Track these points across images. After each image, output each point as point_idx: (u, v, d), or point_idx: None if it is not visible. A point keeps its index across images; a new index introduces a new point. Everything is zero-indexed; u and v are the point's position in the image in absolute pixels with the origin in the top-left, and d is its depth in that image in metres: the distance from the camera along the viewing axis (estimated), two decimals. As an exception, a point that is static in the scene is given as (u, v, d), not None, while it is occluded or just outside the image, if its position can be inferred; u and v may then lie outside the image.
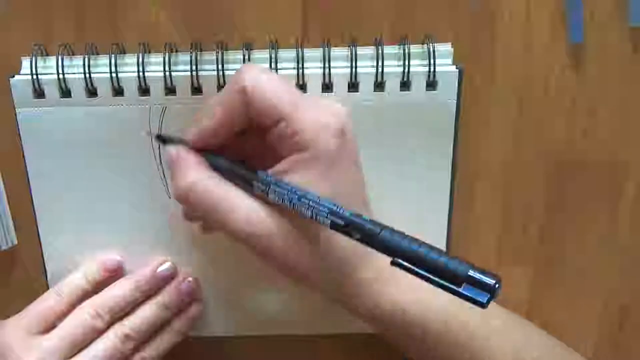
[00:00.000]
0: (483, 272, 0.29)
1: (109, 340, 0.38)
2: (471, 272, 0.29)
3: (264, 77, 0.32)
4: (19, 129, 0.39)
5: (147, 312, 0.39)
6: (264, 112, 0.32)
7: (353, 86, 0.38)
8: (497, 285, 0.29)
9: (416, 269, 0.30)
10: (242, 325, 0.44)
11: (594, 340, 0.45)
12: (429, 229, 0.41)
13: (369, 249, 0.31)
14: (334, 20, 0.39)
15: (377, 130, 0.38)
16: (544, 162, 0.41)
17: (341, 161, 0.32)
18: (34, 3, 0.38)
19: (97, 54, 0.38)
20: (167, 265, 0.40)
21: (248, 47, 0.37)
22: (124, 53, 0.38)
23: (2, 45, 0.39)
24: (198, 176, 0.33)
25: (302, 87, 0.38)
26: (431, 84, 0.38)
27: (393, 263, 0.30)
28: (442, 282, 0.29)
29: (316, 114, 0.32)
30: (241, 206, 0.33)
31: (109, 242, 0.41)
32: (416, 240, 0.30)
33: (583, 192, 0.42)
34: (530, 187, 0.41)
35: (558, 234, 0.42)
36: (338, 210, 0.31)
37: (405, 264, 0.30)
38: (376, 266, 0.35)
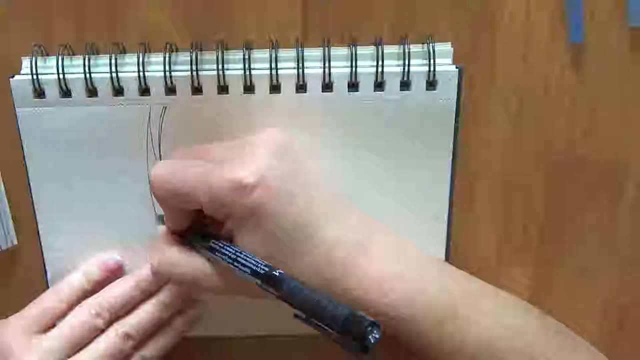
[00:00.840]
0: (359, 317, 0.29)
1: (110, 339, 0.38)
2: (345, 315, 0.29)
3: (159, 172, 0.34)
4: (19, 129, 0.39)
5: (147, 311, 0.39)
6: (181, 204, 0.35)
7: (353, 86, 0.38)
8: (369, 330, 0.29)
9: (311, 320, 0.31)
10: (241, 325, 0.44)
11: (594, 340, 0.44)
12: (429, 228, 0.41)
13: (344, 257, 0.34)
14: (334, 20, 0.39)
15: (377, 130, 0.38)
16: (544, 162, 0.41)
17: (266, 210, 0.33)
18: (34, 3, 0.38)
19: (97, 54, 0.38)
20: None
21: (248, 47, 0.37)
22: (124, 53, 0.38)
23: (2, 45, 0.39)
24: (161, 254, 0.37)
25: (302, 87, 0.38)
26: (431, 84, 0.38)
27: (295, 315, 0.32)
28: (328, 330, 0.30)
29: (222, 177, 0.33)
30: (200, 273, 0.36)
31: (109, 242, 0.41)
32: (313, 291, 0.31)
33: (583, 192, 0.42)
34: (530, 187, 0.41)
35: (558, 234, 0.42)
36: (256, 270, 0.33)
37: (301, 315, 0.31)
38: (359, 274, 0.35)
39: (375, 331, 0.29)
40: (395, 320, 0.34)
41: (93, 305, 0.38)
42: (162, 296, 0.40)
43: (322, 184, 0.36)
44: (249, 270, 0.33)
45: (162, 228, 0.38)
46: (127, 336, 0.38)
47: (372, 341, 0.29)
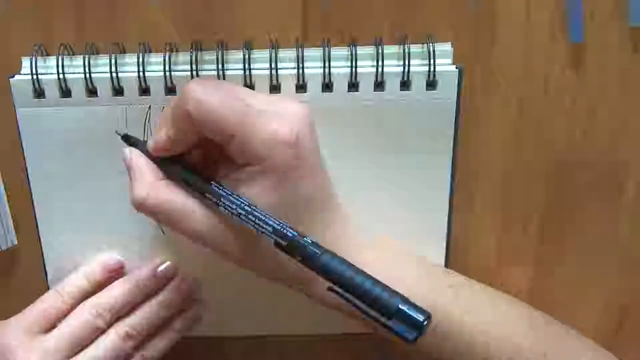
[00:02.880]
0: (414, 306, 0.29)
1: (110, 339, 0.38)
2: (401, 306, 0.29)
3: (207, 97, 0.32)
4: (19, 129, 0.39)
5: (147, 312, 0.39)
6: (212, 133, 0.32)
7: (353, 86, 0.38)
8: (425, 322, 0.29)
9: (350, 297, 0.30)
10: (241, 325, 0.44)
11: (593, 339, 0.45)
12: (429, 229, 0.41)
13: (332, 240, 0.33)
14: (334, 20, 0.39)
15: (377, 130, 0.38)
16: (544, 162, 0.41)
17: (295, 170, 0.33)
18: (34, 3, 0.38)
19: (97, 54, 0.38)
20: (167, 265, 0.40)
21: (248, 46, 0.37)
22: (124, 53, 0.38)
23: (2, 45, 0.39)
24: (151, 187, 0.34)
25: (302, 87, 0.38)
26: (431, 84, 0.38)
27: (329, 289, 0.31)
28: (372, 313, 0.29)
29: (266, 126, 0.32)
30: (193, 214, 0.34)
31: (109, 241, 0.41)
32: (354, 268, 0.31)
33: (583, 192, 0.42)
34: (530, 187, 0.41)
35: (558, 234, 0.42)
36: (282, 229, 0.31)
37: (340, 290, 0.30)
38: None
39: (428, 320, 0.29)
40: None
41: (94, 306, 0.38)
42: (162, 297, 0.40)
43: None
44: (270, 229, 0.31)
45: (136, 153, 0.35)
46: (127, 336, 0.38)
47: (426, 331, 0.29)
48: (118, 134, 0.38)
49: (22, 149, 0.39)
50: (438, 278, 0.38)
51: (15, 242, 0.42)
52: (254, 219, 0.32)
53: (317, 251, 0.31)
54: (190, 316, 0.41)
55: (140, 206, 0.34)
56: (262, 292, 0.42)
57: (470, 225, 0.42)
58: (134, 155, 0.35)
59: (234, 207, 0.32)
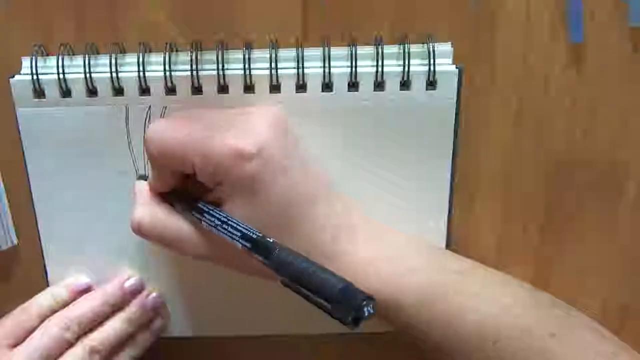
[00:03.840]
0: (357, 290, 0.29)
1: (77, 353, 0.39)
2: (343, 287, 0.29)
3: (160, 134, 0.34)
4: (19, 129, 0.39)
5: (113, 327, 0.40)
6: (177, 167, 0.34)
7: (353, 86, 0.38)
8: (364, 304, 0.29)
9: (298, 288, 0.30)
10: (241, 325, 0.44)
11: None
12: (429, 229, 0.41)
13: (334, 235, 0.34)
14: (334, 20, 0.39)
15: (377, 130, 0.38)
16: (544, 162, 0.41)
17: (263, 180, 0.33)
18: (34, 3, 0.38)
19: (97, 54, 0.38)
20: (133, 280, 0.41)
21: (248, 47, 0.37)
22: (124, 53, 0.38)
23: (2, 45, 0.39)
24: (144, 211, 0.36)
25: (302, 87, 0.38)
26: (431, 84, 0.38)
27: (282, 283, 0.31)
28: (317, 300, 0.30)
29: (222, 146, 0.32)
30: (186, 237, 0.36)
31: (109, 241, 0.41)
32: (303, 257, 0.31)
33: (583, 192, 0.42)
34: (530, 187, 0.41)
35: (558, 234, 0.42)
36: (248, 232, 0.32)
37: (289, 283, 0.31)
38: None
39: (370, 305, 0.29)
40: (384, 302, 0.34)
41: (62, 319, 0.39)
42: (128, 312, 0.41)
43: (313, 164, 0.36)
44: (239, 234, 0.33)
45: (143, 184, 0.38)
46: (93, 351, 0.39)
47: (367, 314, 0.29)
48: (138, 175, 0.40)
49: (22, 149, 0.39)
50: (446, 266, 0.37)
51: (15, 242, 0.42)
52: (226, 228, 0.33)
53: (272, 248, 0.32)
54: (154, 330, 0.42)
55: (138, 229, 0.36)
56: (263, 292, 0.42)
57: (470, 225, 0.42)
58: (137, 185, 0.38)
59: (212, 221, 0.34)
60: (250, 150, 0.32)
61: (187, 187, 0.36)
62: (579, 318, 0.37)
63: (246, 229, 0.33)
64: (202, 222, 0.34)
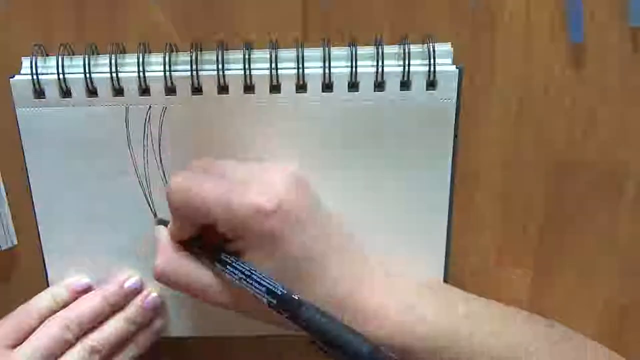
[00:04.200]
0: (382, 355, 0.31)
1: (78, 353, 0.39)
2: (370, 353, 0.31)
3: (183, 191, 0.34)
4: (19, 129, 0.39)
5: (113, 327, 0.40)
6: (200, 220, 0.35)
7: (353, 86, 0.38)
8: None
9: (328, 350, 0.32)
10: (241, 325, 0.44)
11: (594, 340, 0.45)
12: (429, 229, 0.41)
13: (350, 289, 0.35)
14: (334, 20, 0.39)
15: (377, 130, 0.38)
16: (544, 162, 0.41)
17: (281, 237, 0.33)
18: (34, 3, 0.38)
19: (97, 54, 0.38)
20: (133, 280, 0.41)
21: (248, 47, 0.37)
22: (124, 53, 0.38)
23: (2, 45, 0.39)
24: (167, 260, 0.36)
25: (302, 87, 0.38)
26: (431, 84, 0.38)
27: (311, 342, 0.32)
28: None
29: (244, 201, 0.33)
30: (209, 286, 0.36)
31: (109, 242, 0.41)
32: (333, 319, 0.32)
33: (583, 192, 0.42)
34: (530, 187, 0.41)
35: (558, 234, 0.42)
36: (273, 288, 0.33)
37: (319, 344, 0.32)
38: (352, 305, 0.35)
39: None
40: (397, 348, 0.35)
41: (63, 319, 0.39)
42: (128, 312, 0.41)
43: (332, 219, 0.37)
44: (264, 289, 0.33)
45: (163, 230, 0.38)
46: (94, 351, 0.39)
47: None
48: (155, 216, 0.40)
49: (22, 149, 0.39)
50: (454, 310, 0.38)
51: (15, 242, 0.42)
52: (250, 282, 0.34)
53: (298, 306, 0.33)
54: (153, 330, 0.42)
55: (160, 276, 0.36)
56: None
57: (470, 225, 0.42)
58: (161, 232, 0.38)
59: (236, 274, 0.34)
60: (270, 207, 0.33)
61: (208, 235, 0.37)
62: (595, 351, 0.38)
63: (271, 285, 0.33)
64: (225, 274, 0.35)
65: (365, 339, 0.32)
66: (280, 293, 0.33)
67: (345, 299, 0.35)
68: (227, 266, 0.34)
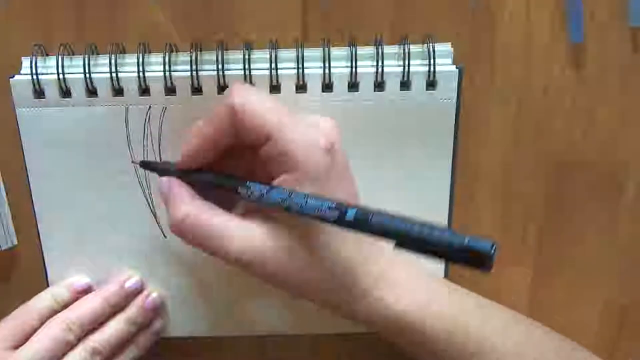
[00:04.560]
0: (478, 239, 0.29)
1: (79, 355, 0.39)
2: (467, 240, 0.29)
3: (253, 97, 0.33)
4: (19, 129, 0.39)
5: (114, 328, 0.40)
6: (252, 132, 0.33)
7: (353, 86, 0.38)
8: (494, 248, 0.29)
9: (417, 250, 0.30)
10: (241, 325, 0.44)
11: (594, 340, 0.45)
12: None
13: (366, 256, 0.34)
14: (334, 20, 0.39)
15: (377, 130, 0.38)
16: (544, 162, 0.41)
17: (331, 178, 0.33)
18: (34, 3, 0.38)
19: (97, 54, 0.38)
20: (134, 280, 0.41)
21: (248, 47, 0.37)
22: (124, 53, 0.38)
23: (2, 45, 0.39)
24: (189, 209, 0.34)
25: (302, 87, 0.38)
26: (431, 84, 0.38)
27: (396, 245, 0.30)
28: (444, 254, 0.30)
29: (304, 133, 0.33)
30: (232, 236, 0.34)
31: (109, 242, 0.41)
32: (409, 220, 0.30)
33: (583, 192, 0.42)
34: (530, 187, 0.41)
35: (558, 234, 0.42)
36: (326, 207, 0.31)
37: (406, 246, 0.30)
38: (375, 273, 0.35)
39: (495, 246, 0.29)
40: (408, 327, 0.35)
41: (64, 320, 0.39)
42: (129, 312, 0.41)
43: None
44: (328, 205, 0.31)
45: (172, 180, 0.36)
46: (95, 352, 0.39)
47: (494, 254, 0.29)
48: (134, 162, 0.39)
49: (22, 149, 0.39)
50: (466, 298, 0.38)
51: (15, 242, 0.42)
52: (304, 201, 0.32)
53: (367, 214, 0.31)
54: (153, 331, 0.42)
55: (180, 226, 0.34)
56: (263, 292, 0.42)
57: (470, 225, 0.42)
58: (171, 182, 0.36)
59: (280, 195, 0.32)
60: (326, 145, 0.33)
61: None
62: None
63: (333, 203, 0.31)
64: (263, 200, 0.32)
65: (454, 233, 0.30)
66: (335, 207, 0.31)
67: (367, 263, 0.35)
68: (264, 191, 0.33)
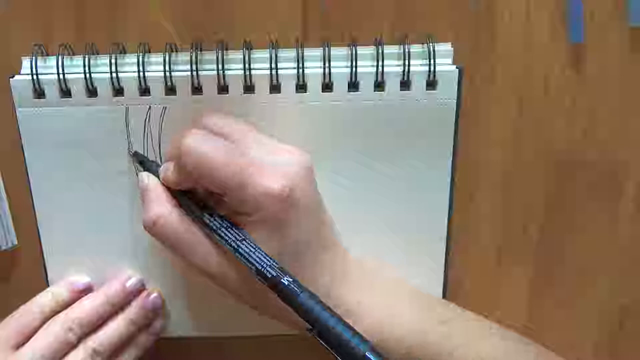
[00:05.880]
0: (379, 355, 0.31)
1: (79, 355, 0.39)
2: (368, 354, 0.31)
3: (202, 155, 0.33)
4: (19, 129, 0.39)
5: (114, 328, 0.40)
6: (209, 186, 0.34)
7: (353, 86, 0.38)
8: None
9: (322, 341, 0.32)
10: (241, 325, 0.44)
11: (594, 340, 0.45)
12: (429, 229, 0.41)
13: (332, 279, 0.36)
14: (334, 20, 0.39)
15: (377, 130, 0.38)
16: (544, 162, 0.41)
17: (287, 222, 0.34)
18: (34, 3, 0.38)
19: (97, 54, 0.38)
20: (134, 280, 0.41)
21: (248, 47, 0.37)
22: (124, 53, 0.38)
23: (2, 45, 0.39)
24: (162, 211, 0.35)
25: (302, 87, 0.38)
26: (431, 84, 0.38)
27: (307, 330, 0.32)
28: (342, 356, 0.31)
29: (258, 181, 0.33)
30: (198, 247, 0.35)
31: (109, 241, 0.41)
32: (329, 309, 0.32)
33: (583, 192, 0.42)
34: (530, 187, 0.41)
35: (558, 234, 0.42)
36: (264, 269, 0.33)
37: (314, 332, 0.32)
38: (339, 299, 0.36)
39: None
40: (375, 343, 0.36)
41: (65, 321, 0.39)
42: (129, 312, 0.41)
43: (328, 212, 0.38)
44: (253, 268, 0.33)
45: (152, 178, 0.37)
46: (95, 352, 0.39)
47: None
48: (129, 152, 0.39)
49: (22, 149, 0.39)
50: (430, 314, 0.39)
51: (15, 242, 0.42)
52: (240, 255, 0.34)
53: (296, 290, 0.32)
54: (154, 331, 0.42)
55: (152, 227, 0.35)
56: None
57: (470, 225, 0.42)
58: (150, 180, 0.37)
59: (224, 240, 0.34)
60: (284, 194, 0.33)
61: (203, 193, 0.36)
62: None
63: (260, 263, 0.33)
64: (214, 236, 0.34)
65: (362, 338, 0.32)
66: (270, 275, 0.33)
67: (329, 291, 0.35)
68: (218, 230, 0.34)
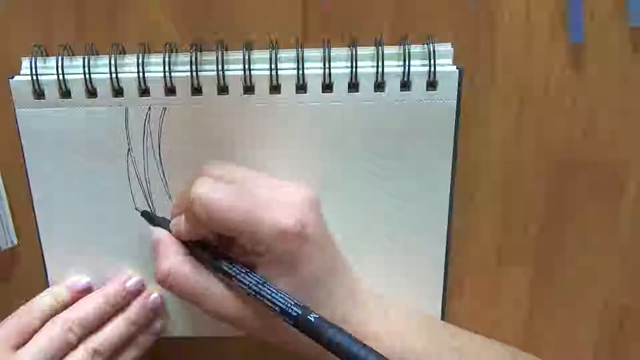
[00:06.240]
0: None
1: (79, 355, 0.39)
2: None
3: (212, 202, 0.33)
4: (19, 129, 0.39)
5: (115, 328, 0.40)
6: (221, 232, 0.35)
7: (353, 86, 0.38)
8: None
9: None
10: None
11: (594, 340, 0.45)
12: (429, 229, 0.41)
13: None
14: (334, 20, 0.39)
15: (377, 130, 0.38)
16: (544, 162, 0.41)
17: (301, 258, 0.34)
18: (34, 3, 0.38)
19: (97, 54, 0.38)
20: (134, 280, 0.41)
21: (248, 47, 0.37)
22: (124, 53, 0.38)
23: (2, 45, 0.39)
24: (174, 264, 0.36)
25: (302, 87, 0.38)
26: (431, 84, 0.38)
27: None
28: None
29: (270, 220, 0.34)
30: (214, 293, 0.36)
31: (109, 242, 0.41)
32: (359, 342, 0.32)
33: (583, 192, 0.42)
34: (530, 187, 0.41)
35: (558, 234, 0.42)
36: (287, 308, 0.33)
37: None
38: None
39: None
40: None
41: (65, 321, 0.39)
42: (129, 313, 0.41)
43: (334, 239, 0.38)
44: (277, 309, 0.33)
45: (163, 233, 0.38)
46: (96, 352, 0.39)
47: None
48: (137, 210, 0.40)
49: (22, 149, 0.39)
50: (443, 341, 0.39)
51: (15, 242, 0.42)
52: (263, 298, 0.34)
53: (324, 326, 0.33)
54: (154, 332, 0.42)
55: (164, 281, 0.36)
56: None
57: (470, 225, 0.42)
58: (160, 234, 0.38)
59: (245, 286, 0.34)
60: (295, 230, 0.34)
61: (216, 241, 0.37)
62: None
63: (284, 303, 0.33)
64: (234, 283, 0.35)
65: None
66: (295, 313, 0.33)
67: (345, 324, 0.35)
68: (237, 277, 0.35)
